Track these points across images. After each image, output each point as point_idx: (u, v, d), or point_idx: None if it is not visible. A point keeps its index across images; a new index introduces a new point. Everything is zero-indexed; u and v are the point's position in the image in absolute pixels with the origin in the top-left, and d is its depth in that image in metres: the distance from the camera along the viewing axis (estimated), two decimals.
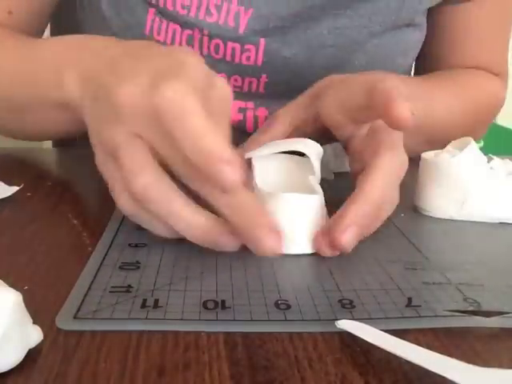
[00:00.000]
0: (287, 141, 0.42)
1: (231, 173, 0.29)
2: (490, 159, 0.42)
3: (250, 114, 0.58)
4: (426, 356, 0.24)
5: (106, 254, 0.33)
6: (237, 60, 0.55)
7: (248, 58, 0.54)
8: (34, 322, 0.24)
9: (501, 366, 0.22)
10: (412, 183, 0.44)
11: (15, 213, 0.40)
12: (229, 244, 0.32)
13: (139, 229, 0.34)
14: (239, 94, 0.57)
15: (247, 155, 0.40)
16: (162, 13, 0.54)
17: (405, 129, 0.34)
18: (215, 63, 0.54)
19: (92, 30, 0.59)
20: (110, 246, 0.34)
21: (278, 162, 0.41)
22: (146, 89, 0.31)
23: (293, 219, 0.34)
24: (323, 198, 0.36)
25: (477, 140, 0.65)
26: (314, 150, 0.40)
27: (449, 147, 0.43)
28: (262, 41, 0.54)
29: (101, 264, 0.32)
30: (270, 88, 0.56)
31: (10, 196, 0.42)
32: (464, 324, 0.28)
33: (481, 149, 0.41)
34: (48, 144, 0.74)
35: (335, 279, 0.32)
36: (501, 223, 0.42)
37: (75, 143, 0.82)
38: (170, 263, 0.32)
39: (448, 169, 0.41)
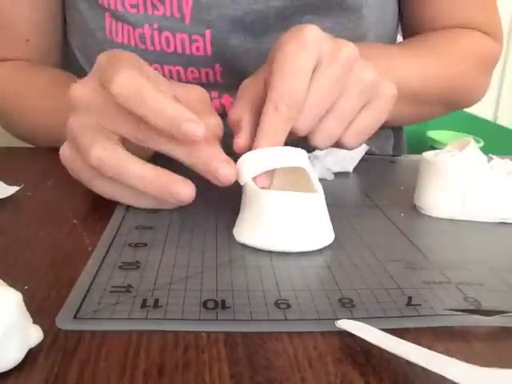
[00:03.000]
0: (276, 152, 0.38)
1: (197, 127, 0.34)
2: (490, 159, 0.42)
3: (216, 102, 0.58)
4: (426, 356, 0.23)
5: (105, 254, 0.33)
6: (187, 51, 0.55)
7: (197, 49, 0.55)
8: (34, 322, 0.24)
9: (501, 365, 0.22)
10: (412, 183, 0.44)
11: (15, 213, 0.40)
12: (183, 190, 0.36)
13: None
14: (200, 86, 0.57)
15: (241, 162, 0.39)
16: (115, 15, 0.55)
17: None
18: (169, 57, 0.56)
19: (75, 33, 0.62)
20: (109, 246, 0.34)
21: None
22: (99, 85, 0.37)
23: (293, 218, 0.34)
24: (323, 196, 0.36)
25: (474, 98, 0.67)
26: (303, 159, 0.39)
27: (449, 147, 0.43)
28: (208, 32, 0.54)
29: (101, 264, 0.32)
30: (227, 77, 0.57)
31: (10, 196, 0.42)
32: (464, 323, 0.28)
33: (481, 149, 0.41)
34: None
35: (335, 278, 0.32)
36: (501, 223, 0.42)
37: None
38: (170, 263, 0.32)
39: (448, 169, 0.41)
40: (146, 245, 0.35)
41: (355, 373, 0.24)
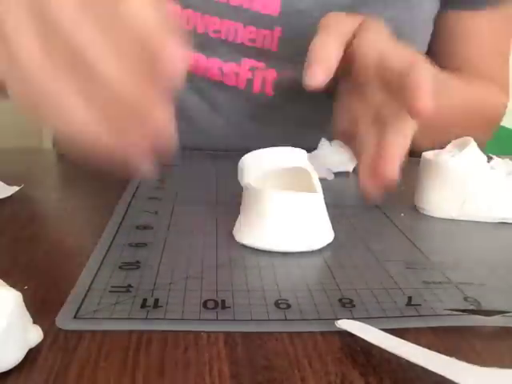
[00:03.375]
0: (276, 152, 0.38)
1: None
2: (490, 159, 0.42)
3: (258, 74, 0.58)
4: (425, 356, 0.23)
5: (105, 254, 0.33)
6: (254, 7, 0.55)
7: (265, 6, 0.55)
8: (34, 322, 0.24)
9: (501, 365, 0.22)
10: (412, 183, 0.44)
11: (15, 213, 0.40)
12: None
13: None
14: (253, 50, 0.57)
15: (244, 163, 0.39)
16: None
17: (418, 118, 0.37)
18: (233, 10, 0.55)
19: None
20: (109, 246, 0.34)
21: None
22: None
23: (293, 218, 0.34)
24: (323, 196, 0.36)
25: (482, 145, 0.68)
26: (303, 159, 0.38)
27: (449, 147, 0.43)
28: None
29: (101, 264, 0.32)
30: (283, 45, 0.56)
31: (10, 196, 0.42)
32: (464, 323, 0.28)
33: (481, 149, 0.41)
34: (48, 144, 0.74)
35: (335, 278, 0.32)
36: (501, 223, 0.42)
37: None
38: (170, 263, 0.32)
39: (448, 169, 0.41)
40: (145, 245, 0.35)
41: (355, 373, 0.24)
